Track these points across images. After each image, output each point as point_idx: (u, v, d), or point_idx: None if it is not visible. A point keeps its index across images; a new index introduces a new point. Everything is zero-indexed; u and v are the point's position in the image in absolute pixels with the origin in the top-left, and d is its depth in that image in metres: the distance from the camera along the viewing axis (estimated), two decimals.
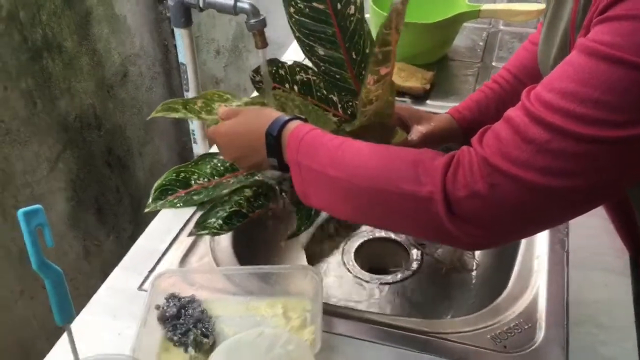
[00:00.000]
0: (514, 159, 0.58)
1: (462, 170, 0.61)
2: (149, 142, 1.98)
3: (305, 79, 0.88)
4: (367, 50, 0.85)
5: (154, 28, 1.98)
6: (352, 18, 0.84)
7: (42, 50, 1.50)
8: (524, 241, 0.87)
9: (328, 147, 0.69)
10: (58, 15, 1.53)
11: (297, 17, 0.85)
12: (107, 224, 1.80)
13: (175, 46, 2.06)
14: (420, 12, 1.12)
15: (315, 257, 0.86)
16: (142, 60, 1.92)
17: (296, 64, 0.90)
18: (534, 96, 0.59)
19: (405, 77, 1.16)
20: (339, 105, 0.89)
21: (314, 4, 0.85)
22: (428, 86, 1.16)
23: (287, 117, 0.75)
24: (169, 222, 0.93)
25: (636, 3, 0.55)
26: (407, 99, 1.15)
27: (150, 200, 0.91)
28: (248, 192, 0.90)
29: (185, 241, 0.89)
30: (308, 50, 0.87)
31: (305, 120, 0.76)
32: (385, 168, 0.65)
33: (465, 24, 1.27)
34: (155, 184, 0.91)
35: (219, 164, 0.93)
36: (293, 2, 0.85)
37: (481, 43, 1.33)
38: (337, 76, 0.87)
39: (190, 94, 0.98)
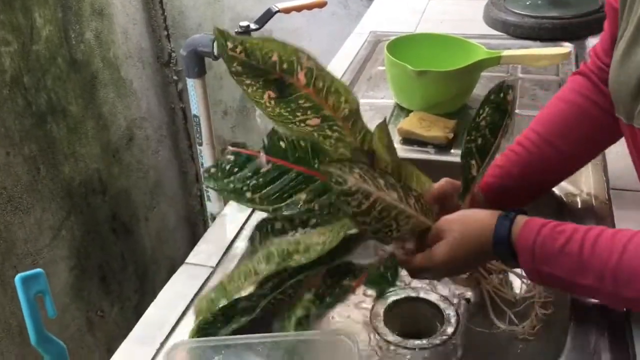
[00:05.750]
0: None
1: None
2: (155, 207, 1.92)
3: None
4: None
5: (161, 92, 1.96)
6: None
7: (47, 115, 1.46)
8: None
9: (568, 253, 0.64)
10: (63, 80, 1.50)
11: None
12: (112, 294, 1.71)
13: (182, 109, 2.03)
14: (439, 61, 1.07)
15: None
16: (148, 124, 1.89)
17: None
18: None
19: (427, 126, 1.11)
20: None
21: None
22: (451, 135, 1.10)
23: (507, 217, 0.68)
24: (182, 288, 0.85)
25: None
26: (430, 149, 1.09)
27: None
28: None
29: None
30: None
31: (525, 213, 0.69)
32: None
33: (483, 73, 1.23)
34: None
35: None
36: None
37: None
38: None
39: (204, 148, 0.92)
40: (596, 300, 0.76)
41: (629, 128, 0.67)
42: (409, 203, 0.71)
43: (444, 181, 0.81)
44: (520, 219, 0.68)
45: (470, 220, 0.73)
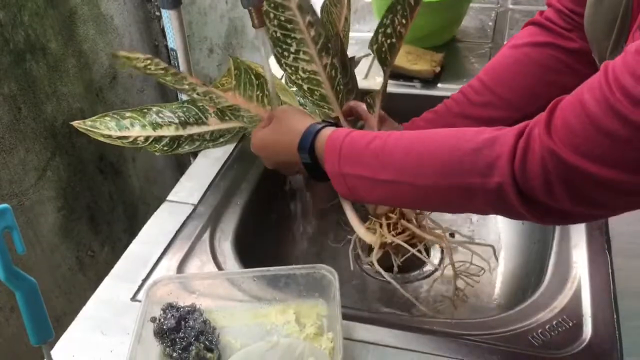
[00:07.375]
0: (586, 153, 0.51)
1: (531, 156, 0.54)
2: None
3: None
4: None
5: (143, 28, 1.90)
6: None
7: (25, 53, 1.42)
8: (557, 230, 0.78)
9: (372, 150, 0.65)
10: (41, 16, 1.45)
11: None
12: (101, 234, 1.71)
13: (166, 47, 1.98)
14: None
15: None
16: None
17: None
18: (614, 80, 0.50)
19: (413, 60, 1.08)
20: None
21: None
22: (438, 69, 1.08)
23: (318, 127, 0.71)
24: (164, 225, 0.85)
25: None
26: (417, 83, 1.06)
27: None
28: None
29: (182, 245, 0.81)
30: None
31: (336, 125, 0.72)
32: (445, 164, 0.59)
33: (472, 5, 1.20)
34: None
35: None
36: None
37: (490, 23, 1.25)
38: None
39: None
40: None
41: None
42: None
43: (352, 102, 0.84)
44: (331, 127, 0.72)
45: (294, 115, 0.77)
